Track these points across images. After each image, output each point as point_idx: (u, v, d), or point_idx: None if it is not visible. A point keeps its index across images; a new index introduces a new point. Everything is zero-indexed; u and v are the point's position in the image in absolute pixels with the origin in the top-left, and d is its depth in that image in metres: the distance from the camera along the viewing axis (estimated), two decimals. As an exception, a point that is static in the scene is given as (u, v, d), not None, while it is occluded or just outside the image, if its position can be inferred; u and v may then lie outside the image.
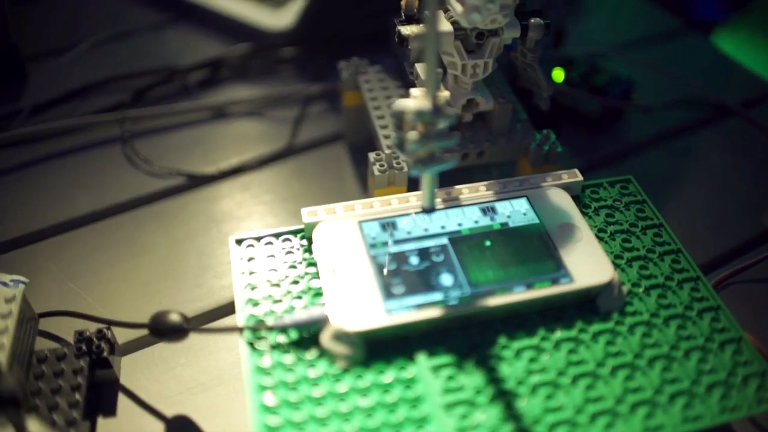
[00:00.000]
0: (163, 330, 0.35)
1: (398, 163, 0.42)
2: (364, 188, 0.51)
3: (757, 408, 0.33)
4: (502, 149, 0.45)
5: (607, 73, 0.58)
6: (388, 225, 0.37)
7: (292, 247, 0.38)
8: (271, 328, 0.34)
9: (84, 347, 0.37)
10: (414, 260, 0.36)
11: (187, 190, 0.51)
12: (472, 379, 0.33)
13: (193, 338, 0.41)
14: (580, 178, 0.40)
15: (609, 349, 0.34)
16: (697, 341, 0.35)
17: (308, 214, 0.38)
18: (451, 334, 0.34)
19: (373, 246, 0.36)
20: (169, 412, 0.38)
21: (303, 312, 0.34)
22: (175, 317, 0.35)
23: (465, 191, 0.39)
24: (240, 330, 0.34)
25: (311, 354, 0.33)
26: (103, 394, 0.38)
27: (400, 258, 0.36)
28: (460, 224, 0.38)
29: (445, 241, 0.37)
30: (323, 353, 0.33)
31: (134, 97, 0.58)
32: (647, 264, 0.38)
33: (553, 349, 0.34)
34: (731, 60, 0.67)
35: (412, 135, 0.32)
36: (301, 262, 0.37)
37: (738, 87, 0.64)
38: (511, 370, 0.33)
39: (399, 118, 0.33)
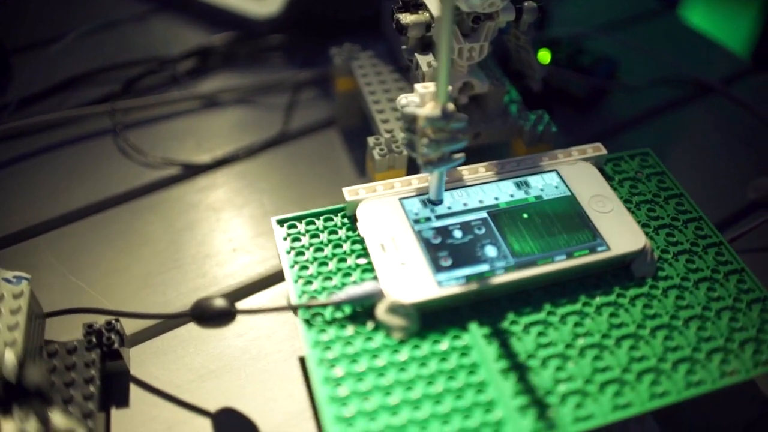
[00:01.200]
0: (210, 316, 0.36)
1: (397, 147, 0.43)
2: (360, 172, 0.52)
3: (787, 361, 0.35)
4: (498, 130, 0.46)
5: (592, 54, 0.59)
6: (428, 201, 0.39)
7: (335, 225, 0.39)
8: (325, 305, 0.35)
9: (94, 339, 0.37)
10: (457, 234, 0.37)
11: (183, 179, 0.52)
12: (522, 345, 0.34)
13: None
14: (605, 151, 0.42)
15: (646, 312, 0.36)
16: (726, 302, 0.37)
17: (349, 193, 0.38)
18: (499, 302, 0.36)
19: (416, 221, 0.38)
20: (182, 400, 0.38)
21: (357, 287, 0.35)
22: (220, 302, 0.35)
23: (496, 167, 0.41)
24: (294, 309, 0.35)
25: (367, 327, 0.34)
26: (115, 385, 0.38)
27: (444, 232, 0.37)
28: (497, 198, 0.39)
29: (484, 214, 0.38)
30: (378, 326, 0.34)
31: (124, 88, 0.58)
32: (673, 231, 0.40)
33: (595, 314, 0.36)
34: (707, 37, 0.70)
35: (425, 140, 0.34)
36: (346, 240, 0.38)
37: (717, 64, 0.66)
38: (557, 334, 0.35)
39: (409, 121, 0.34)
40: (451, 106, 0.33)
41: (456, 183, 0.40)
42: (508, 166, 0.41)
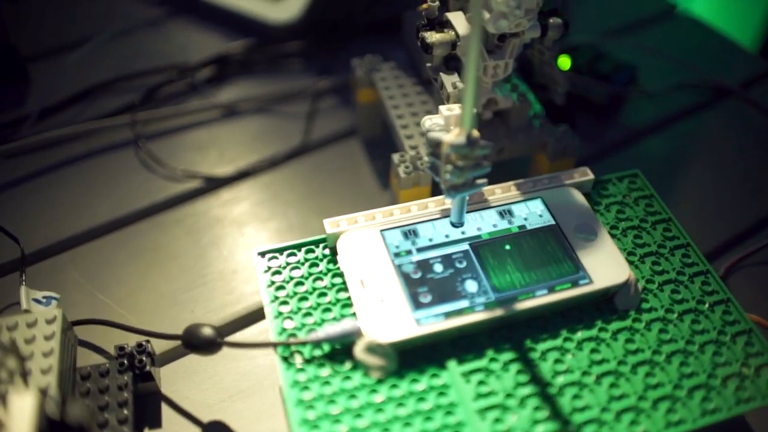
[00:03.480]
0: (197, 344, 0.36)
1: (422, 164, 0.43)
2: (383, 183, 0.52)
3: (770, 397, 0.35)
4: (522, 145, 0.46)
5: (611, 60, 0.59)
6: (409, 233, 0.38)
7: (316, 258, 0.38)
8: (304, 343, 0.35)
9: (126, 362, 0.37)
10: (438, 268, 0.37)
11: (208, 192, 0.52)
12: (501, 383, 0.34)
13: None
14: (591, 176, 0.41)
15: (628, 347, 0.36)
16: (710, 335, 0.37)
17: (330, 225, 0.38)
18: (479, 338, 0.36)
19: (397, 255, 0.37)
20: (213, 420, 0.39)
21: (335, 325, 0.35)
22: (207, 331, 0.36)
23: (481, 195, 0.40)
24: (274, 345, 0.35)
25: (346, 366, 0.34)
26: (147, 405, 0.39)
27: (424, 266, 0.37)
28: (479, 229, 0.39)
29: (466, 246, 0.38)
30: (357, 365, 0.34)
31: (144, 98, 0.57)
32: (659, 260, 0.39)
33: (576, 349, 0.36)
34: (724, 36, 0.69)
35: (449, 167, 0.33)
36: (326, 273, 0.38)
37: (736, 65, 0.65)
38: (537, 371, 0.35)
39: (433, 146, 0.34)
40: (476, 133, 0.33)
41: (439, 213, 0.39)
42: (494, 193, 0.40)
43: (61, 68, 0.60)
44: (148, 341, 0.38)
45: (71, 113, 0.57)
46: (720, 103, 0.61)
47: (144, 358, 0.38)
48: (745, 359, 0.36)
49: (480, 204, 0.40)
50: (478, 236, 0.38)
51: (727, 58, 0.67)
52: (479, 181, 0.35)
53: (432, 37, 0.41)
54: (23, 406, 0.28)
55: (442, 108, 0.36)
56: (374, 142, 0.55)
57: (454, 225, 0.37)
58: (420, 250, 0.38)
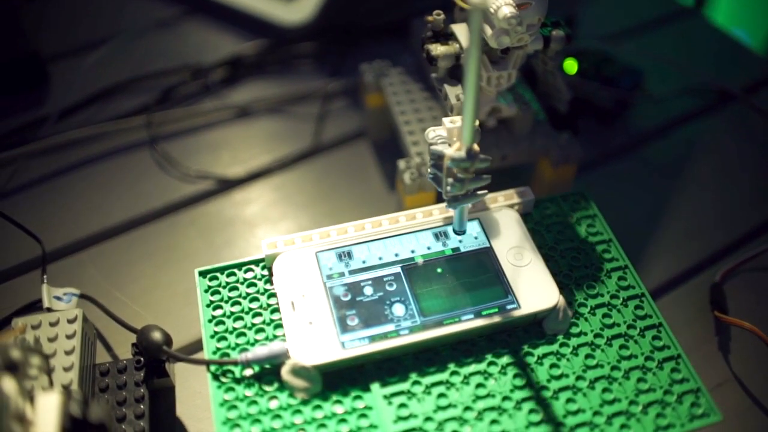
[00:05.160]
0: (147, 347, 0.39)
1: (427, 170, 0.44)
2: (391, 185, 0.54)
3: (690, 425, 0.35)
4: (525, 152, 0.47)
5: (617, 64, 0.59)
6: (344, 254, 0.39)
7: (254, 278, 0.40)
8: (234, 363, 0.36)
9: (143, 359, 0.40)
10: (368, 290, 0.38)
11: (220, 193, 0.54)
12: (422, 406, 0.35)
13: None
14: (532, 197, 0.42)
15: (553, 372, 0.36)
16: (638, 360, 0.37)
17: (268, 246, 0.39)
18: (404, 361, 0.37)
19: (329, 277, 0.38)
20: None
21: (264, 347, 0.36)
22: (157, 336, 0.39)
23: (419, 215, 0.41)
24: (206, 363, 0.36)
25: (273, 386, 0.36)
26: (162, 400, 0.41)
27: (355, 288, 0.38)
28: (413, 251, 0.39)
29: (398, 269, 0.39)
30: (284, 385, 0.36)
31: (160, 99, 0.59)
32: (594, 283, 0.40)
33: (500, 374, 0.36)
34: (733, 39, 0.68)
35: (450, 179, 0.35)
36: (263, 293, 0.39)
37: (743, 70, 0.65)
38: (459, 395, 0.35)
39: (436, 158, 0.35)
40: (476, 147, 0.34)
41: (376, 235, 0.40)
42: (432, 214, 0.41)
43: (79, 69, 0.62)
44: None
45: (89, 113, 0.59)
46: (724, 107, 0.61)
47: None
48: (670, 385, 0.36)
49: (417, 225, 0.40)
50: (412, 259, 0.39)
51: (735, 61, 0.66)
52: (480, 192, 0.36)
53: (437, 49, 0.42)
54: (49, 405, 0.30)
55: (446, 120, 0.37)
56: (383, 145, 0.57)
57: (456, 233, 0.38)
58: (352, 272, 0.38)
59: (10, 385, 0.29)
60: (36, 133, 0.56)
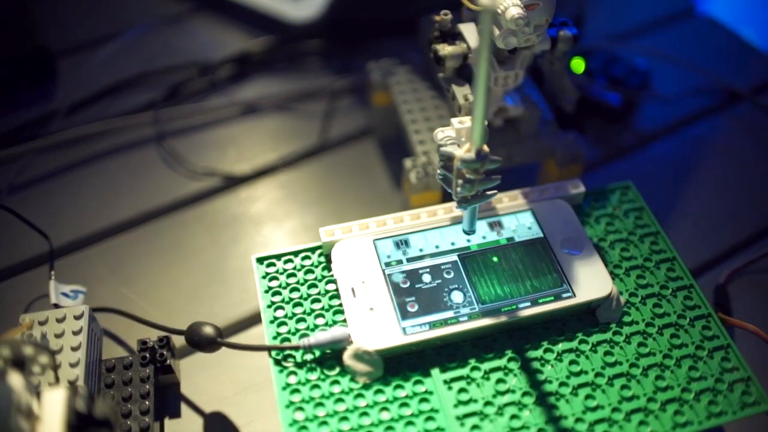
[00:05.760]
0: (198, 341, 0.38)
1: (433, 170, 0.45)
2: (397, 183, 0.54)
3: (741, 412, 0.36)
4: (531, 152, 0.47)
5: (625, 63, 0.59)
6: (401, 242, 0.40)
7: (312, 264, 0.40)
8: (296, 348, 0.37)
9: (148, 355, 0.40)
10: (426, 278, 0.39)
11: (226, 189, 0.54)
12: (481, 391, 0.36)
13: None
14: (583, 189, 0.42)
15: (607, 359, 0.37)
16: (688, 349, 0.38)
17: (326, 233, 0.40)
18: (462, 347, 0.37)
19: (388, 264, 0.39)
20: (230, 411, 0.42)
21: (326, 333, 0.37)
22: (208, 330, 0.38)
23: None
24: (268, 349, 0.37)
25: (335, 371, 0.36)
26: (167, 396, 0.42)
27: (413, 276, 0.39)
28: (469, 240, 0.40)
29: (455, 257, 0.39)
30: (346, 370, 0.36)
31: (167, 96, 0.59)
32: (644, 273, 0.41)
33: (556, 360, 0.37)
34: (740, 41, 0.69)
35: (460, 180, 0.35)
36: (321, 280, 0.40)
37: (751, 70, 0.65)
38: (517, 381, 0.36)
39: (445, 159, 0.35)
40: (486, 148, 0.34)
41: (432, 224, 0.41)
42: (486, 205, 0.42)
43: (87, 64, 0.62)
44: (169, 336, 0.41)
45: (97, 109, 0.59)
46: (731, 107, 0.61)
47: (165, 352, 0.40)
48: (721, 374, 0.37)
49: (471, 215, 0.41)
50: (467, 247, 0.40)
51: (743, 61, 0.67)
52: (489, 193, 0.36)
53: (444, 49, 0.42)
54: (54, 400, 0.31)
55: (454, 120, 0.37)
56: (389, 143, 0.57)
57: (466, 233, 0.39)
58: (410, 260, 0.39)
59: (17, 380, 0.30)
60: (44, 129, 0.56)
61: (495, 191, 0.36)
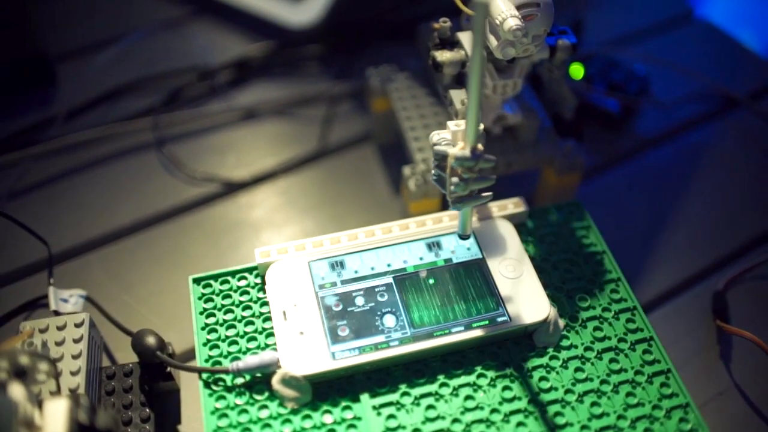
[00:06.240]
0: (141, 351, 0.39)
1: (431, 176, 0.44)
2: (396, 189, 0.54)
3: (678, 441, 0.35)
4: (530, 160, 0.47)
5: (624, 69, 0.59)
6: (336, 264, 0.39)
7: (248, 286, 0.40)
8: (225, 371, 0.36)
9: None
10: (360, 300, 0.38)
11: (225, 196, 0.54)
12: (411, 417, 0.35)
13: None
14: (525, 208, 0.42)
15: (542, 385, 0.36)
16: (627, 374, 0.37)
17: (261, 254, 0.40)
18: (394, 372, 0.37)
19: (321, 287, 0.38)
20: None
21: (255, 357, 0.36)
22: (151, 341, 0.39)
23: (412, 225, 0.41)
24: (198, 371, 0.37)
25: (263, 396, 0.36)
26: (168, 403, 0.42)
27: (346, 298, 0.38)
28: (405, 261, 0.39)
29: (389, 279, 0.39)
30: (275, 394, 0.36)
31: (166, 101, 0.59)
32: (586, 295, 0.40)
33: (489, 386, 0.36)
34: (739, 47, 0.68)
35: (454, 179, 0.34)
36: (256, 302, 0.39)
37: (749, 75, 0.65)
38: (447, 407, 0.36)
39: (440, 159, 0.35)
40: (480, 147, 0.34)
41: (367, 245, 0.40)
42: (425, 224, 0.41)
43: (86, 69, 0.63)
44: (169, 343, 0.41)
45: (96, 115, 0.59)
46: (729, 113, 0.61)
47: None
48: (659, 400, 0.36)
49: (410, 236, 0.40)
50: (403, 269, 0.39)
51: (741, 67, 0.66)
52: (484, 194, 0.36)
53: (442, 56, 0.42)
54: (56, 410, 0.31)
55: (450, 123, 0.37)
56: (389, 149, 0.57)
57: (461, 237, 0.38)
58: (344, 282, 0.39)
59: (18, 391, 0.30)
60: (43, 135, 0.56)
61: (490, 193, 0.36)
